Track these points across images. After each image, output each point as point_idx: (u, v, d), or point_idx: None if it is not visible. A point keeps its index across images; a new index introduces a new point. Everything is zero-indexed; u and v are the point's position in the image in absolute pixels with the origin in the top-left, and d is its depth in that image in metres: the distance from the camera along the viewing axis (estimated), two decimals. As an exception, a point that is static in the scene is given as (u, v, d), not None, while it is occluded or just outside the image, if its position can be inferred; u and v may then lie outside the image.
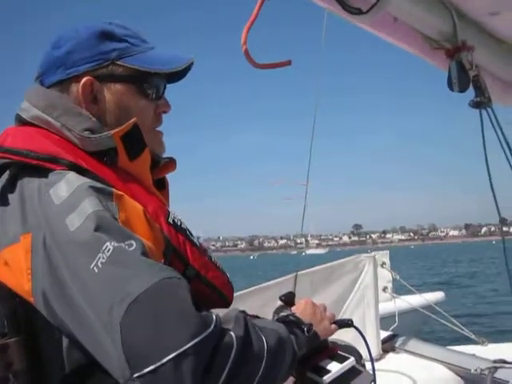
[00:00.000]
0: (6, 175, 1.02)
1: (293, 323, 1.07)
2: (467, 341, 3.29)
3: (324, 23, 2.21)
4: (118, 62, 1.06)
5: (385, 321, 3.51)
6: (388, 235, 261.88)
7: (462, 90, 1.66)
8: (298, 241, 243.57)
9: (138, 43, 1.10)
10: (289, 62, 1.50)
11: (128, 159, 1.01)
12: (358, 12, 1.43)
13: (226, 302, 1.08)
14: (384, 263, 3.81)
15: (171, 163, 1.21)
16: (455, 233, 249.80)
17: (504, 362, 2.55)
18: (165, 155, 1.20)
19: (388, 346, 3.21)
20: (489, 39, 1.84)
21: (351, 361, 1.20)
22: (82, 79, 1.05)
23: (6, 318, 0.90)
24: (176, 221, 1.02)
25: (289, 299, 1.25)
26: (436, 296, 5.79)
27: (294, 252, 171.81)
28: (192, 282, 0.93)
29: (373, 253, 3.55)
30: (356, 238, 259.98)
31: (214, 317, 0.83)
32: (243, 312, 0.94)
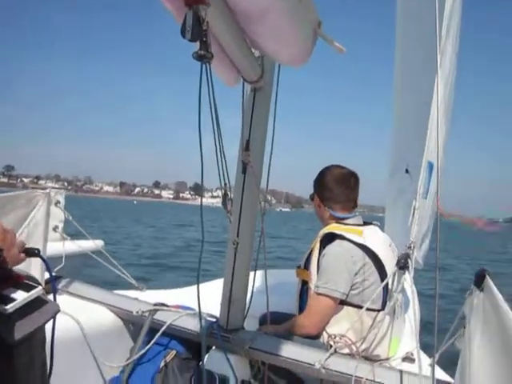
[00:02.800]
0: None
1: None
2: (129, 287, 3.44)
3: None
4: None
5: (52, 261, 3.34)
6: (41, 181, 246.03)
7: (193, 39, 1.68)
8: None
9: None
10: None
11: None
12: None
13: None
14: (58, 202, 3.61)
15: None
16: (110, 189, 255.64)
17: (163, 305, 2.78)
18: None
19: (50, 287, 3.06)
20: (222, 2, 1.90)
21: (38, 290, 1.18)
22: None
23: None
24: None
25: None
26: (98, 243, 5.91)
27: None
28: None
29: (47, 189, 3.35)
30: (5, 180, 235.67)
31: None
32: None
